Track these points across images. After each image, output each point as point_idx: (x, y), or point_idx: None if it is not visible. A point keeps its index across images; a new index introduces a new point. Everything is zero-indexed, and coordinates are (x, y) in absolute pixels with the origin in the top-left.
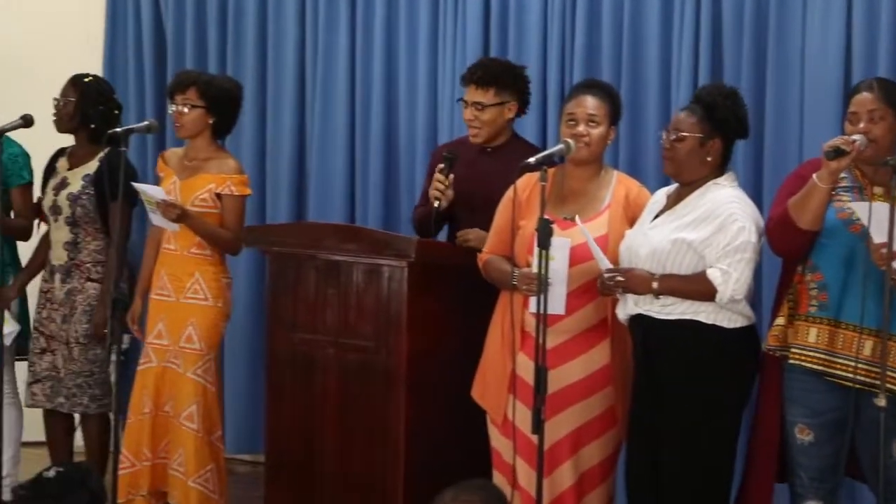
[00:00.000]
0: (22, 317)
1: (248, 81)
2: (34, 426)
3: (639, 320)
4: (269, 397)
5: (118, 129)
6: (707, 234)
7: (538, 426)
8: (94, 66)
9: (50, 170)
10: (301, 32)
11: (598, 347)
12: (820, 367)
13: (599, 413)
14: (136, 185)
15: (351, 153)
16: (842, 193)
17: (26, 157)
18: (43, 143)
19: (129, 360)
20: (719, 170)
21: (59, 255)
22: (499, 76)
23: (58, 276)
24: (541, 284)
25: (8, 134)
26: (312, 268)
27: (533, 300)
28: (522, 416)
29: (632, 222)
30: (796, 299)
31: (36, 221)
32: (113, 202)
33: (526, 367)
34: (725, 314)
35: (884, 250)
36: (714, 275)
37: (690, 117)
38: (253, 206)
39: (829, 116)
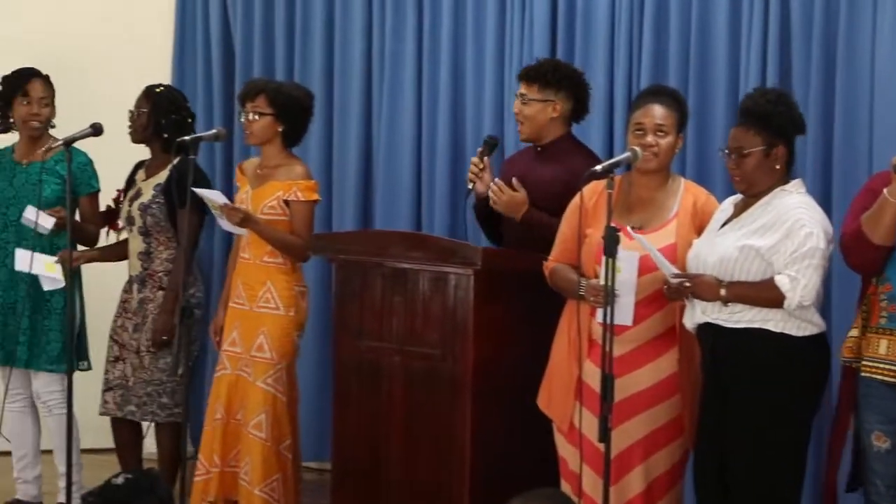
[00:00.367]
0: (71, 286)
1: (315, 89)
2: (102, 433)
3: (707, 329)
4: (336, 405)
5: (186, 138)
6: (775, 241)
7: (605, 434)
8: (163, 74)
9: (130, 182)
10: (368, 40)
11: (666, 356)
12: (891, 380)
13: (667, 421)
14: (197, 190)
15: (417, 161)
16: None
17: (92, 165)
18: (111, 151)
19: (200, 368)
20: (787, 174)
21: (134, 265)
22: (545, 73)
23: (135, 287)
24: (608, 295)
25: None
26: (379, 275)
27: (600, 310)
28: (589, 424)
29: (700, 231)
30: (869, 310)
31: (105, 230)
32: (181, 209)
33: (593, 376)
34: (794, 322)
35: None
36: (782, 281)
37: (747, 132)
38: (319, 214)
39: None
